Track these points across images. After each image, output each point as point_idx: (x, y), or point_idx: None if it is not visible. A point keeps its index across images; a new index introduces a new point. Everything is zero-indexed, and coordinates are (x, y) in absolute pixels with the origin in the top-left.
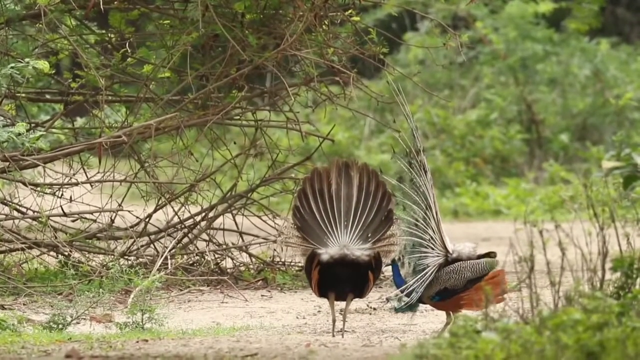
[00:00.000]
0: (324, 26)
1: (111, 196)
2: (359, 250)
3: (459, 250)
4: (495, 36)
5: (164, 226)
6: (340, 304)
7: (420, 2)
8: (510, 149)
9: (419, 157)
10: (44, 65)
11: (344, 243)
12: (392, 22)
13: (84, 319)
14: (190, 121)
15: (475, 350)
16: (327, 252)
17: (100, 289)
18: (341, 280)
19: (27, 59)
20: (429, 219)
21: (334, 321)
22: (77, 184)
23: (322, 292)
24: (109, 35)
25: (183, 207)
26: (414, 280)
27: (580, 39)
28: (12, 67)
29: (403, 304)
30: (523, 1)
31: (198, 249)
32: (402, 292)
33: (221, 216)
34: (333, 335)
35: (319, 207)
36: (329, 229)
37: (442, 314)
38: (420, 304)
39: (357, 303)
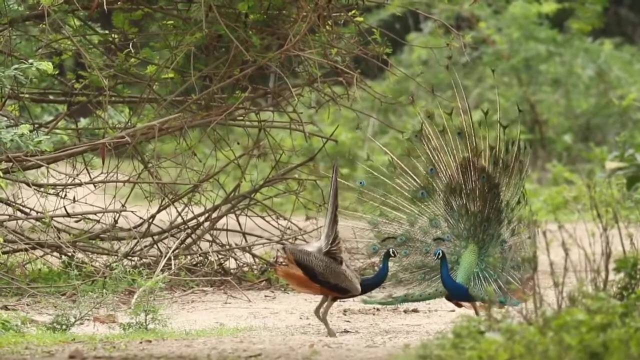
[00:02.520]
0: (327, 26)
1: (114, 197)
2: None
3: None
4: (499, 36)
5: (167, 227)
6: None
7: (424, 2)
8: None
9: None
10: (47, 66)
11: (318, 244)
12: (396, 22)
13: (88, 319)
14: (194, 122)
15: (479, 351)
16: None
17: (104, 290)
18: None
19: (30, 60)
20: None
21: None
22: (80, 185)
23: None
24: (113, 35)
25: (186, 208)
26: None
27: (584, 39)
28: (15, 69)
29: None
30: (526, 1)
31: (201, 249)
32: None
33: (224, 217)
34: (327, 336)
35: None
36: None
37: (445, 315)
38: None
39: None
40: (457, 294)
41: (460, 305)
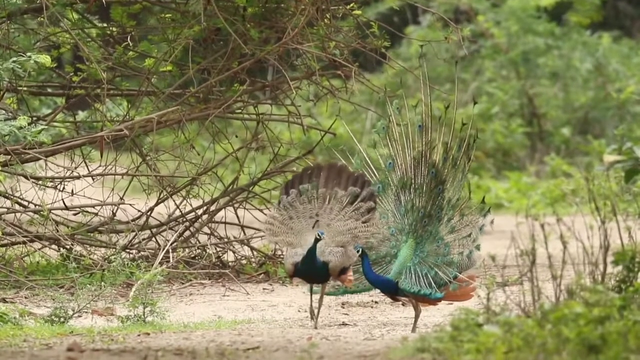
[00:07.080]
0: (325, 20)
1: (113, 190)
2: None
3: None
4: (497, 30)
5: (165, 219)
6: None
7: None
8: (512, 142)
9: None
10: (45, 59)
11: None
12: (394, 15)
13: (86, 312)
14: (192, 115)
15: (477, 344)
16: None
17: (102, 283)
18: None
19: (29, 53)
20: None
21: None
22: (78, 178)
23: None
24: (111, 28)
25: (185, 201)
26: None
27: (582, 32)
28: (14, 61)
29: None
30: None
31: (200, 242)
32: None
33: (223, 210)
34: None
35: None
36: None
37: (444, 307)
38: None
39: (359, 296)
40: (384, 288)
41: (396, 300)
